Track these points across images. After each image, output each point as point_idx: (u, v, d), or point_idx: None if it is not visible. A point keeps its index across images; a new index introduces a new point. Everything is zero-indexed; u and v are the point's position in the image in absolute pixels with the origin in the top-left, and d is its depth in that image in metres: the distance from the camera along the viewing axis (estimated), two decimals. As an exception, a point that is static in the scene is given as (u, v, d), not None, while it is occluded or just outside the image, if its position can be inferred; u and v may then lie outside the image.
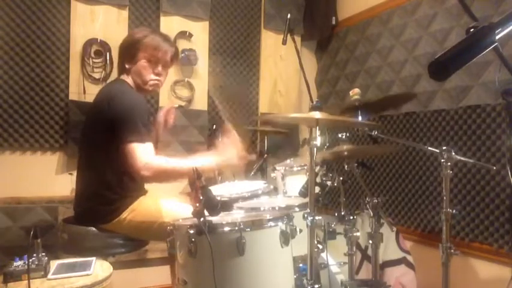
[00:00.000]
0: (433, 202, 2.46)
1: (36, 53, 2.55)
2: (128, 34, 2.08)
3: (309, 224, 1.43)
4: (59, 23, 2.62)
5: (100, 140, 1.80)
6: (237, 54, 3.25)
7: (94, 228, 1.82)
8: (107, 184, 1.80)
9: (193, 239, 1.29)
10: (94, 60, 2.66)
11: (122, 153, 1.69)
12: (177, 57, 2.12)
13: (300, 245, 1.46)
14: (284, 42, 2.68)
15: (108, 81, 2.61)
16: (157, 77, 1.98)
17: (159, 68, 1.98)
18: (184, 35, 2.98)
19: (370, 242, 1.86)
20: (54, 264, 1.61)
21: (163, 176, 1.74)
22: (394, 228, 2.24)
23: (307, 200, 1.52)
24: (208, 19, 3.08)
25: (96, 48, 2.67)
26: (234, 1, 3.22)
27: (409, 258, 2.27)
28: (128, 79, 1.97)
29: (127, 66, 1.96)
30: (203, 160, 1.79)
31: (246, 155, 1.89)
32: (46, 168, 2.60)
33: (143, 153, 1.69)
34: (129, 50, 1.96)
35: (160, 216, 1.84)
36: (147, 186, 2.04)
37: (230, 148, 1.87)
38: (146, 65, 1.94)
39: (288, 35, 2.67)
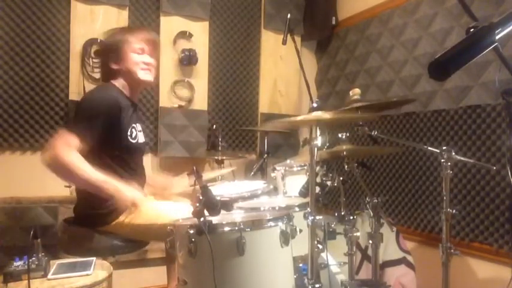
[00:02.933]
0: (433, 202, 2.46)
1: (36, 53, 2.55)
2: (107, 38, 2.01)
3: (310, 223, 1.43)
4: (59, 23, 2.62)
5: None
6: (237, 54, 3.25)
7: (95, 230, 1.81)
8: None
9: (193, 239, 1.29)
10: (94, 60, 2.66)
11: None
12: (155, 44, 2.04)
13: (300, 245, 1.46)
14: (284, 42, 2.68)
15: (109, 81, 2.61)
16: (147, 64, 1.94)
17: (147, 57, 1.94)
18: (184, 35, 2.98)
19: (370, 242, 1.86)
20: (54, 264, 1.61)
21: (61, 170, 1.61)
22: (394, 228, 2.24)
23: (307, 200, 1.52)
24: (208, 19, 3.08)
25: (96, 48, 2.67)
26: (234, 1, 3.22)
27: (409, 258, 2.27)
28: (117, 82, 1.90)
29: (115, 67, 1.89)
30: (107, 183, 1.65)
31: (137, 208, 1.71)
32: (46, 168, 2.60)
33: (59, 140, 1.62)
34: (114, 51, 1.90)
35: (159, 218, 1.83)
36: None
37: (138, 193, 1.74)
38: (135, 57, 1.90)
39: (288, 35, 2.66)
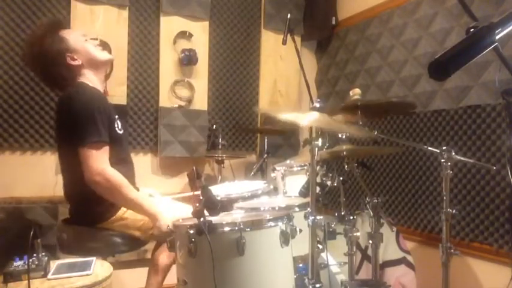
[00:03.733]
0: (433, 202, 2.46)
1: (36, 53, 2.55)
2: (37, 46, 1.83)
3: (310, 223, 1.43)
4: (59, 23, 2.62)
5: (71, 143, 1.75)
6: (237, 54, 3.25)
7: (94, 228, 1.82)
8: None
9: (193, 239, 1.29)
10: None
11: (79, 156, 1.66)
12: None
13: (300, 245, 1.46)
14: (284, 42, 2.68)
15: (107, 80, 2.59)
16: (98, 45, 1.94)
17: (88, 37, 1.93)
18: (184, 35, 2.98)
19: (370, 242, 1.86)
20: (54, 264, 1.61)
21: (114, 189, 1.69)
22: (394, 228, 2.24)
23: (307, 200, 1.52)
24: (208, 19, 3.08)
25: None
26: (234, 1, 3.22)
27: (409, 258, 2.27)
28: (84, 78, 1.86)
29: (75, 63, 1.84)
30: (149, 203, 1.76)
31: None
32: (46, 168, 2.60)
33: (99, 158, 1.67)
34: (63, 53, 1.82)
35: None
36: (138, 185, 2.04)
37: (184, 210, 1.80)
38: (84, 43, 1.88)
39: (288, 35, 2.67)
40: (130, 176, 1.93)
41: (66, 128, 1.74)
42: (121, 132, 1.90)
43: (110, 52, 1.97)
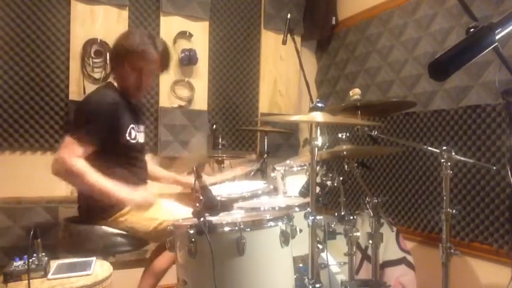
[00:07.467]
0: (433, 202, 2.46)
1: (36, 53, 2.55)
2: (122, 37, 1.97)
3: (310, 223, 1.43)
4: (59, 23, 2.62)
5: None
6: (237, 54, 3.25)
7: (95, 228, 1.82)
8: None
9: (193, 239, 1.29)
10: (94, 60, 2.66)
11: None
12: (166, 64, 2.03)
13: (300, 245, 1.46)
14: (284, 42, 2.68)
15: (108, 81, 2.60)
16: (140, 84, 1.95)
17: (143, 76, 1.93)
18: (184, 35, 2.98)
19: (370, 242, 1.86)
20: (54, 264, 1.61)
21: (70, 179, 1.75)
22: (394, 228, 2.24)
23: (307, 200, 1.52)
24: (208, 19, 3.08)
25: (96, 48, 2.66)
26: (234, 1, 3.22)
27: (409, 258, 2.27)
28: (116, 80, 1.97)
29: (126, 67, 1.91)
30: (115, 190, 1.74)
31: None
32: (46, 168, 2.58)
33: (64, 150, 1.70)
34: (116, 56, 1.95)
35: (161, 215, 1.84)
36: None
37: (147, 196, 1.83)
38: (130, 71, 1.90)
39: (288, 35, 2.66)
40: (135, 181, 1.93)
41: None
42: (134, 141, 1.91)
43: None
